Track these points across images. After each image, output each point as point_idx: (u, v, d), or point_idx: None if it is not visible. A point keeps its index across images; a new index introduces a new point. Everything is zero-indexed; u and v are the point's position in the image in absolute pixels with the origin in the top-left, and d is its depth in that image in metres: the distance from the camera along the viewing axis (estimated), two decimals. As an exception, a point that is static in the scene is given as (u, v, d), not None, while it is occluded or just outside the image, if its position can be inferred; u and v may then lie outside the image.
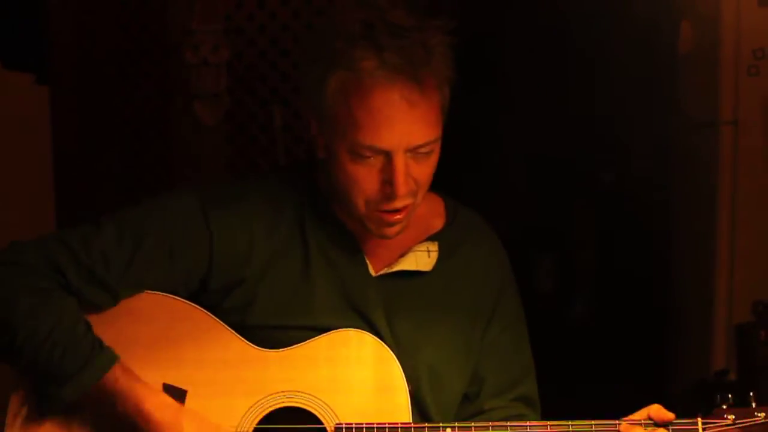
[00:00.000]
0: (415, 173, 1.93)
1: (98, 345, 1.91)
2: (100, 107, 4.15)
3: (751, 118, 3.77)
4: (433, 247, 2.09)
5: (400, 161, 1.90)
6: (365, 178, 1.92)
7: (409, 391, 1.97)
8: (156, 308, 2.00)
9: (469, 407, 2.13)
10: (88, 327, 1.93)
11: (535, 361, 2.22)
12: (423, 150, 1.92)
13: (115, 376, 1.90)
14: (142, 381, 1.91)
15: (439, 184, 2.20)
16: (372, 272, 2.06)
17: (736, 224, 3.79)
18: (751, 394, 1.90)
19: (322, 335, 1.97)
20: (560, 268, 5.06)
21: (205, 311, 2.00)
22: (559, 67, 4.68)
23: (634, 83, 4.39)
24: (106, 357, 1.91)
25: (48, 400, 1.90)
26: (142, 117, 4.13)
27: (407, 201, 1.95)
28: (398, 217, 1.97)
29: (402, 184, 1.91)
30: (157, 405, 1.90)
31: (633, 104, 4.39)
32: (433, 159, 1.97)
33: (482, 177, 4.73)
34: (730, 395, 1.91)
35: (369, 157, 1.91)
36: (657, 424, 1.90)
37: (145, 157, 4.15)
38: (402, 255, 2.07)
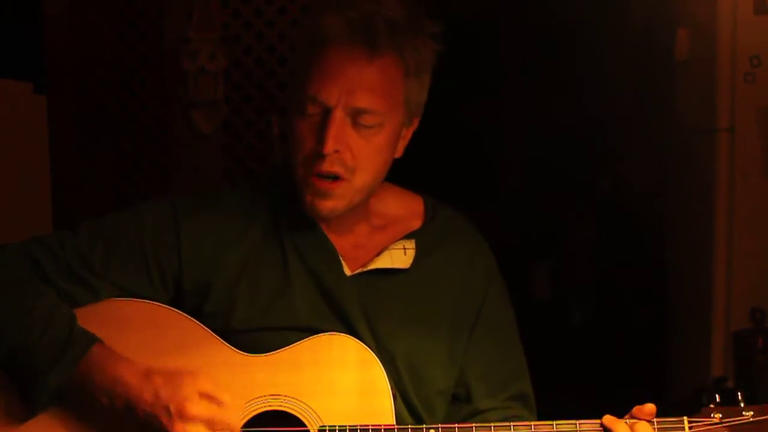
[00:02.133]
0: (353, 144, 1.95)
1: (76, 327, 1.92)
2: (98, 115, 4.16)
3: (747, 125, 3.76)
4: (410, 244, 2.09)
5: (335, 118, 1.93)
6: (303, 134, 1.95)
7: (393, 392, 1.96)
8: (141, 316, 2.00)
9: (463, 409, 2.13)
10: (69, 311, 1.94)
11: (532, 369, 2.21)
12: (365, 121, 1.95)
13: (92, 352, 1.89)
14: (114, 352, 1.91)
15: (436, 190, 2.22)
16: (347, 272, 2.06)
17: (734, 231, 3.79)
18: (739, 393, 1.89)
19: (304, 339, 1.98)
20: (558, 275, 5.07)
21: (190, 318, 2.00)
22: (557, 76, 4.69)
23: (631, 91, 4.40)
24: (87, 335, 1.91)
25: (35, 393, 1.89)
26: (140, 125, 4.15)
27: (337, 168, 1.95)
28: (329, 185, 1.96)
29: (331, 139, 1.92)
30: (129, 370, 1.89)
31: (630, 111, 4.40)
32: (378, 140, 1.98)
33: (480, 184, 4.75)
34: (717, 395, 1.90)
35: (312, 114, 1.94)
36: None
37: (142, 165, 4.16)
38: (377, 254, 2.08)
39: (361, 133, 1.95)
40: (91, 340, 1.91)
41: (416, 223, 2.15)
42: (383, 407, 1.94)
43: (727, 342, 3.79)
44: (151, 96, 4.12)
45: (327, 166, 1.95)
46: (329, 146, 1.92)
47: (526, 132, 4.84)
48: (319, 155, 1.94)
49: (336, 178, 1.96)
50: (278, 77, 4.00)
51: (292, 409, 1.94)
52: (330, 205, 1.98)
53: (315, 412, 1.94)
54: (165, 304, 2.02)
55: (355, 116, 1.94)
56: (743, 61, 3.75)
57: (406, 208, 2.15)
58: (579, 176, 4.82)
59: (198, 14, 3.95)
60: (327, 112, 1.93)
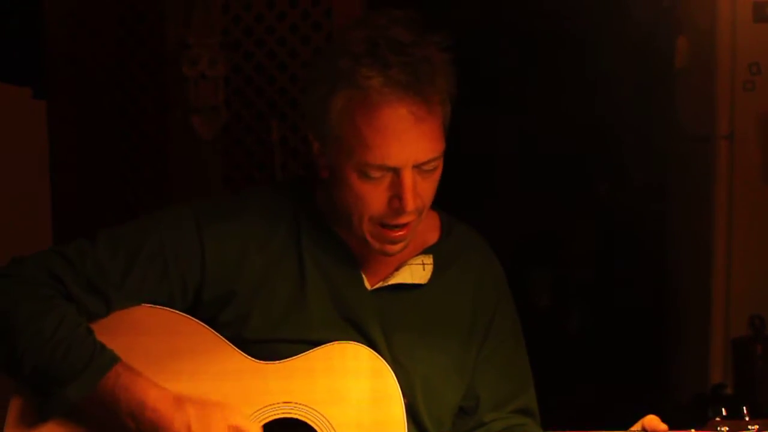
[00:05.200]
0: (420, 189, 1.94)
1: (99, 345, 1.92)
2: (98, 121, 4.15)
3: (746, 133, 3.78)
4: (428, 260, 2.09)
5: (408, 177, 1.91)
6: (373, 196, 1.93)
7: (405, 403, 1.97)
8: (154, 321, 2.00)
9: (469, 421, 2.13)
10: (89, 330, 1.94)
11: (533, 376, 2.22)
12: (428, 167, 1.93)
13: (117, 372, 1.90)
14: (143, 375, 1.92)
15: (436, 199, 2.22)
16: (367, 286, 2.06)
17: (733, 238, 3.80)
18: (744, 408, 1.91)
19: (318, 347, 1.97)
20: (558, 282, 5.08)
21: (203, 324, 2.00)
22: (558, 82, 4.70)
23: (631, 97, 4.41)
24: (108, 356, 1.91)
25: (52, 402, 1.90)
26: (140, 131, 4.14)
27: (412, 217, 1.96)
28: (401, 233, 1.97)
29: (410, 200, 1.91)
30: (159, 396, 1.90)
31: (630, 118, 4.41)
32: (437, 175, 1.98)
33: (479, 190, 4.75)
34: (723, 408, 1.92)
35: (377, 178, 1.91)
36: None
37: (142, 171, 4.15)
38: (397, 268, 2.07)
39: (424, 176, 1.93)
40: (113, 359, 1.91)
41: (432, 237, 2.15)
42: (395, 416, 1.94)
43: (726, 349, 3.80)
44: (151, 102, 4.11)
45: (405, 219, 1.94)
46: (410, 205, 1.91)
47: (526, 138, 4.85)
48: (398, 212, 1.92)
49: (408, 223, 1.96)
50: (278, 83, 4.00)
51: (305, 416, 1.94)
52: (401, 246, 1.99)
53: (327, 420, 1.93)
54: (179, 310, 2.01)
55: (420, 165, 1.92)
56: (742, 68, 3.77)
57: (423, 220, 2.11)
58: (579, 183, 4.83)
59: (198, 20, 3.95)
60: (396, 172, 1.90)
